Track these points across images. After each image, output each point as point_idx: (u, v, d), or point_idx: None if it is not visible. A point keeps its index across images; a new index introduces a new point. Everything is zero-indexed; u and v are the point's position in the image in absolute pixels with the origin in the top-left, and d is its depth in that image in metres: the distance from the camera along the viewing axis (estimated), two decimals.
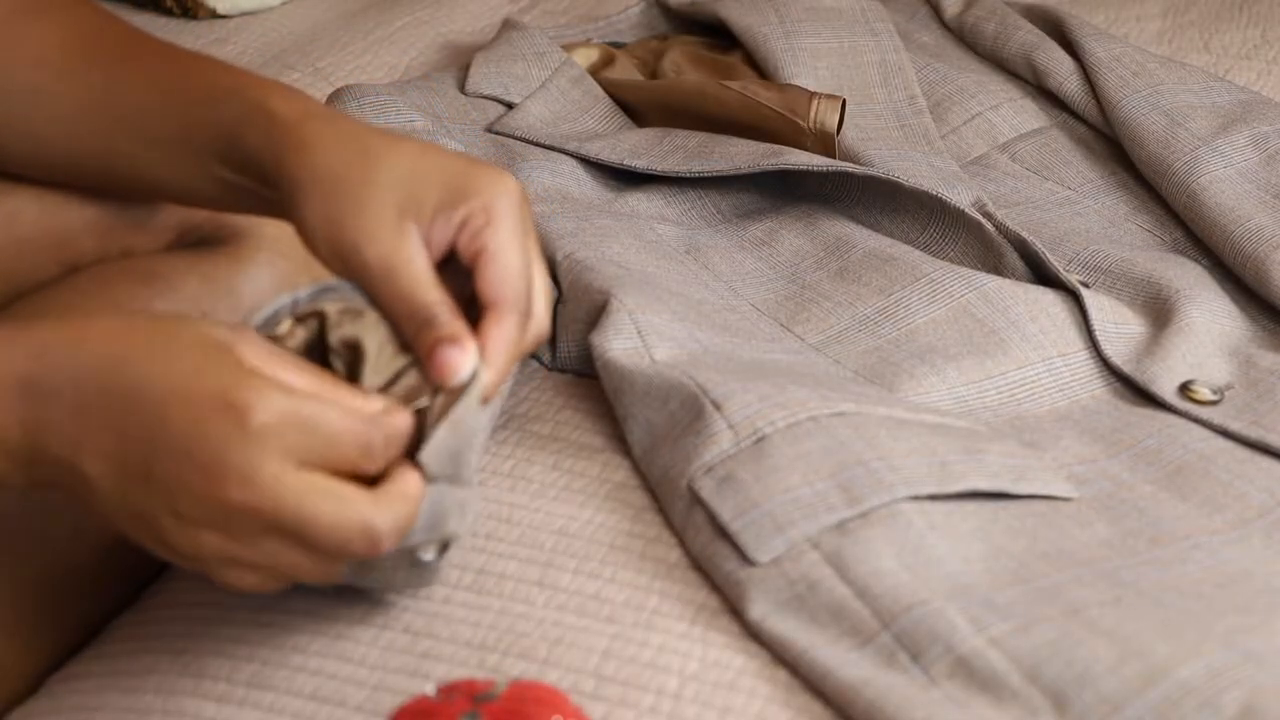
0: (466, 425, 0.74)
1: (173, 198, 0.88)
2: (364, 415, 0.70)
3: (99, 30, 0.86)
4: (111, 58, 0.84)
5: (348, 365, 0.77)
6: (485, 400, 0.75)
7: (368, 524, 0.69)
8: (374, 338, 0.76)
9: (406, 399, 0.74)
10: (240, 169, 0.80)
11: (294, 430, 0.67)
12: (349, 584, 0.78)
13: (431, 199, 0.75)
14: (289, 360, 0.71)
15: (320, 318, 0.77)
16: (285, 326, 0.77)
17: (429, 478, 0.73)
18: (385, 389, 0.75)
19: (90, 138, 0.85)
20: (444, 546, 0.77)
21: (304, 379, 0.70)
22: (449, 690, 0.72)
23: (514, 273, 0.76)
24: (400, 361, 0.76)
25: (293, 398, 0.68)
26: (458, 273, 0.77)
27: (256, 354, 0.70)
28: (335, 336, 0.76)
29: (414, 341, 0.74)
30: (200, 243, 0.92)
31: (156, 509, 0.68)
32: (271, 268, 0.91)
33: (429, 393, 0.74)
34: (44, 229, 0.89)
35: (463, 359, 0.73)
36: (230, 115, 0.79)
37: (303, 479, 0.68)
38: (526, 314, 0.77)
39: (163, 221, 0.91)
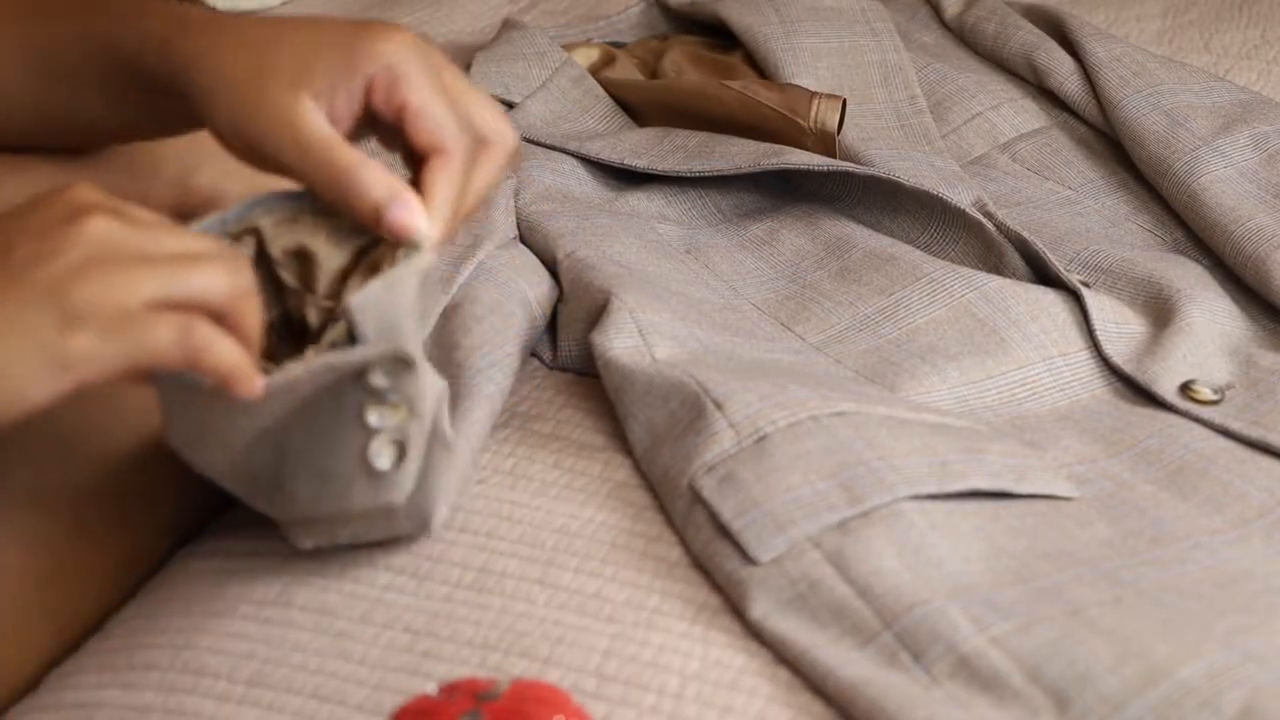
0: (404, 277, 0.75)
1: (114, 136, 0.90)
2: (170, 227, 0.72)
3: None
4: (27, 5, 0.86)
5: (298, 275, 0.77)
6: (435, 247, 0.77)
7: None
8: (317, 237, 0.77)
9: (373, 269, 0.76)
10: (155, 93, 0.82)
11: (118, 212, 0.70)
12: (323, 544, 0.78)
13: (323, 69, 0.76)
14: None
15: (255, 233, 0.78)
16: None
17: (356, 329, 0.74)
18: (349, 272, 0.77)
19: (19, 90, 0.86)
20: (401, 452, 0.77)
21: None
22: (450, 689, 0.72)
23: (438, 117, 0.77)
24: (359, 239, 0.78)
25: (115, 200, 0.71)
26: (395, 136, 0.80)
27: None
28: (276, 249, 0.78)
29: (355, 212, 0.76)
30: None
31: (28, 302, 0.67)
32: None
33: (390, 255, 0.76)
34: None
35: (404, 213, 0.76)
36: (131, 45, 0.81)
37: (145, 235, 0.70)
38: (477, 142, 0.79)
39: (154, 208, 0.90)
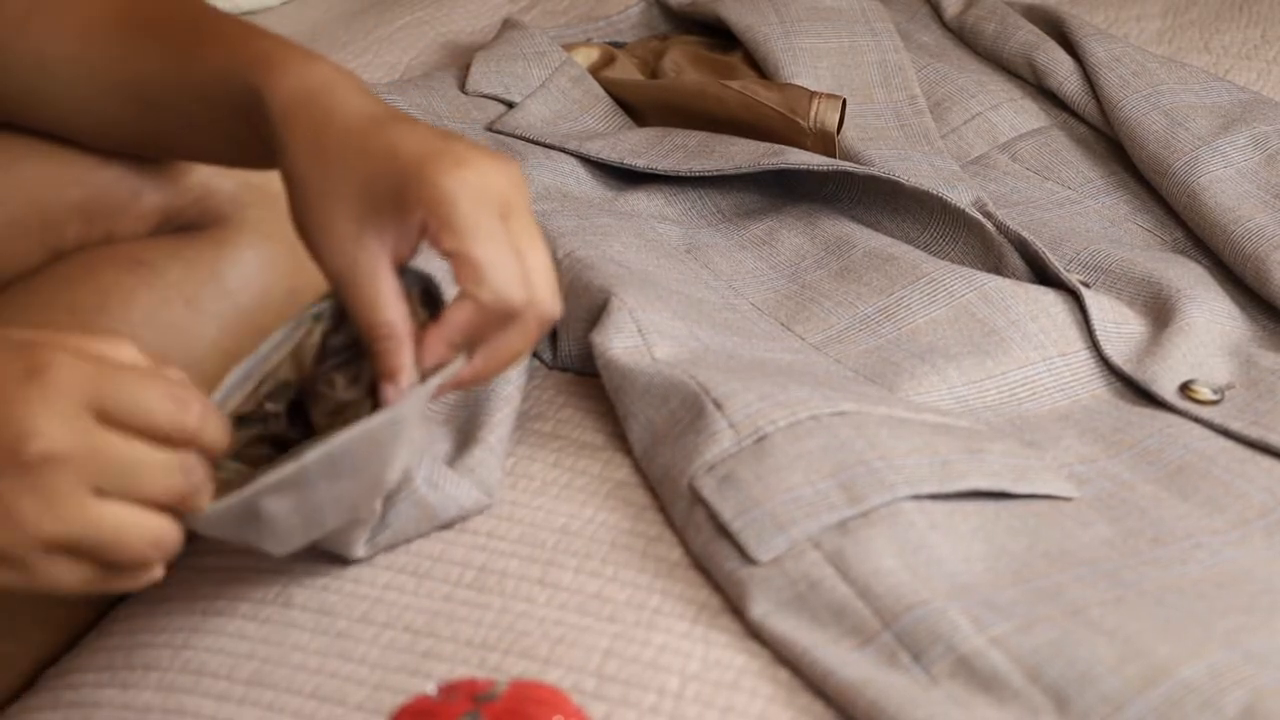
0: (365, 435, 0.74)
1: (210, 161, 0.89)
2: (164, 379, 0.69)
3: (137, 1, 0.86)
4: (140, 29, 0.84)
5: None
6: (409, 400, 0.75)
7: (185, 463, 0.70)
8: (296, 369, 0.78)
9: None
10: (243, 146, 0.82)
11: (95, 390, 0.66)
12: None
13: (386, 207, 0.74)
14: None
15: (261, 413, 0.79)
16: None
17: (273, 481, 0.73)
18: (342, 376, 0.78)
19: (117, 111, 0.85)
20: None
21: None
22: (450, 690, 0.71)
23: (472, 270, 0.74)
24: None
25: (90, 360, 0.67)
26: None
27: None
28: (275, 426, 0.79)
29: (370, 352, 0.76)
30: (184, 227, 0.91)
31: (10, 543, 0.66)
32: (255, 251, 0.91)
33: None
34: (31, 212, 0.88)
35: (392, 393, 0.75)
36: (235, 99, 0.80)
37: (120, 445, 0.67)
38: (517, 304, 0.75)
39: (147, 206, 0.90)
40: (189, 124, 0.83)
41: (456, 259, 0.74)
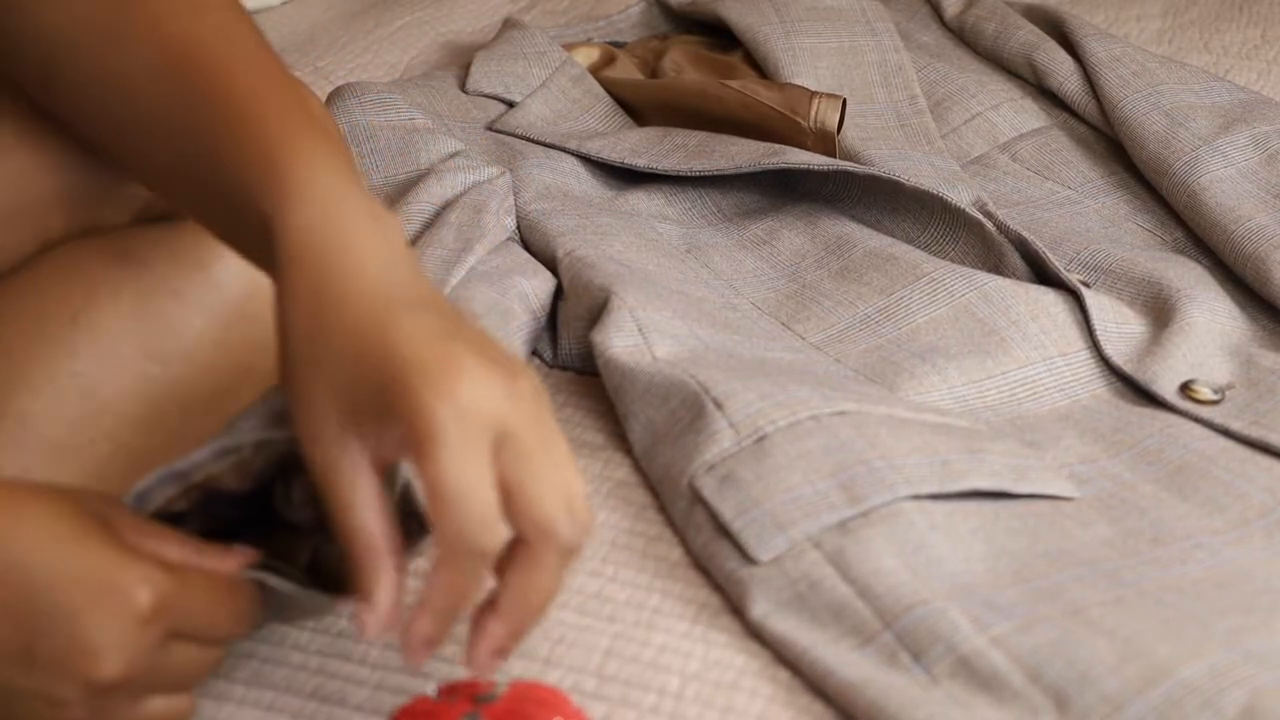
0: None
1: (215, 235, 0.83)
2: (225, 588, 0.70)
3: (186, 60, 0.78)
4: (179, 100, 0.77)
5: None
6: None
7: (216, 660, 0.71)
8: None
9: None
10: (262, 254, 0.76)
11: (172, 611, 0.67)
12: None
13: (372, 412, 0.66)
14: (155, 528, 0.70)
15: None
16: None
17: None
18: None
19: (155, 178, 0.82)
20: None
21: (174, 548, 0.70)
22: (450, 690, 0.71)
23: (444, 507, 0.65)
24: None
25: (171, 577, 0.67)
26: None
27: (129, 526, 0.69)
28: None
29: (345, 557, 0.70)
30: (168, 214, 0.91)
31: (29, 689, 0.66)
32: None
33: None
34: (18, 202, 0.88)
35: (370, 621, 0.68)
36: (247, 212, 0.74)
37: (176, 652, 0.68)
38: (488, 545, 0.66)
39: (130, 193, 0.90)
40: (203, 201, 0.78)
41: (427, 490, 0.65)
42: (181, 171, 0.77)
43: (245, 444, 0.72)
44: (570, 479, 0.68)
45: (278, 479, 0.74)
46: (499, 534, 0.66)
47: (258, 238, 0.72)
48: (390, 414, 0.66)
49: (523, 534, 0.67)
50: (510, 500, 0.66)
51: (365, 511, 0.67)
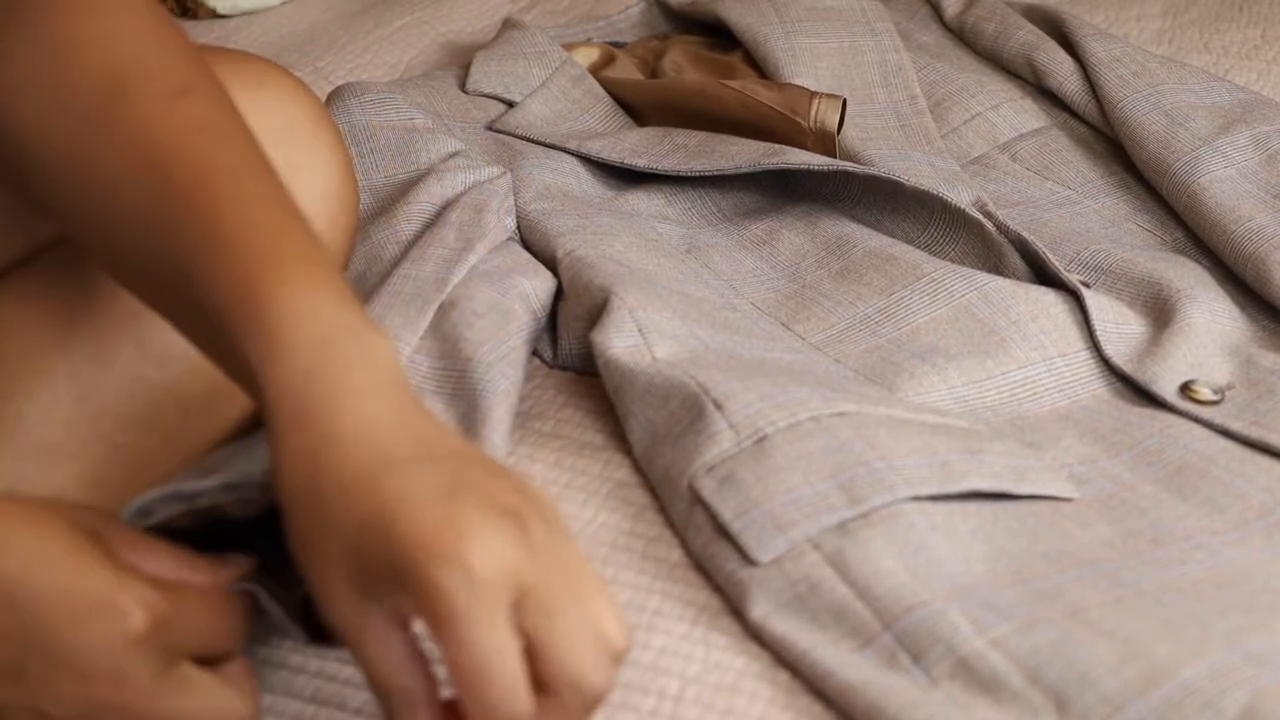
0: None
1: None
2: (219, 604, 0.69)
3: (169, 160, 0.73)
4: (155, 205, 0.73)
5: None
6: None
7: (226, 710, 0.69)
8: None
9: None
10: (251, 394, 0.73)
11: (167, 630, 0.66)
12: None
13: (385, 581, 0.64)
14: (149, 544, 0.69)
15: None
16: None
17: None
18: None
19: (140, 286, 0.78)
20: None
21: (168, 564, 0.69)
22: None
23: (465, 677, 0.62)
24: None
25: (165, 596, 0.66)
26: None
27: (123, 542, 0.68)
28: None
29: (382, 708, 0.68)
30: None
31: (21, 705, 0.66)
32: None
33: None
34: (9, 206, 0.88)
35: None
36: (229, 352, 0.71)
37: (173, 676, 0.67)
38: (522, 712, 0.63)
39: None
40: (179, 310, 0.74)
41: (450, 666, 0.63)
42: (158, 279, 0.73)
43: (253, 483, 0.71)
44: (599, 617, 0.65)
45: None
46: (528, 704, 0.63)
47: (242, 377, 0.69)
48: (403, 588, 0.63)
49: (552, 690, 0.64)
50: (537, 659, 0.64)
51: (399, 675, 0.65)
